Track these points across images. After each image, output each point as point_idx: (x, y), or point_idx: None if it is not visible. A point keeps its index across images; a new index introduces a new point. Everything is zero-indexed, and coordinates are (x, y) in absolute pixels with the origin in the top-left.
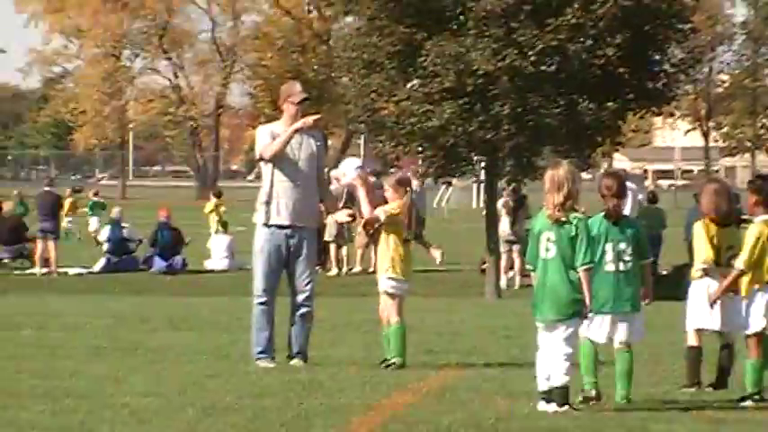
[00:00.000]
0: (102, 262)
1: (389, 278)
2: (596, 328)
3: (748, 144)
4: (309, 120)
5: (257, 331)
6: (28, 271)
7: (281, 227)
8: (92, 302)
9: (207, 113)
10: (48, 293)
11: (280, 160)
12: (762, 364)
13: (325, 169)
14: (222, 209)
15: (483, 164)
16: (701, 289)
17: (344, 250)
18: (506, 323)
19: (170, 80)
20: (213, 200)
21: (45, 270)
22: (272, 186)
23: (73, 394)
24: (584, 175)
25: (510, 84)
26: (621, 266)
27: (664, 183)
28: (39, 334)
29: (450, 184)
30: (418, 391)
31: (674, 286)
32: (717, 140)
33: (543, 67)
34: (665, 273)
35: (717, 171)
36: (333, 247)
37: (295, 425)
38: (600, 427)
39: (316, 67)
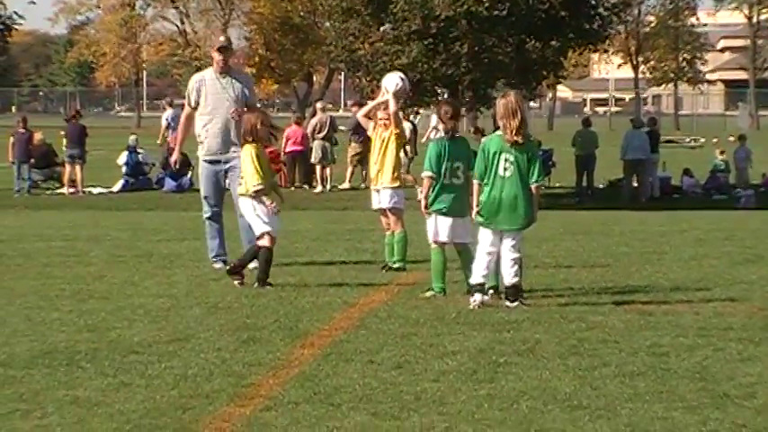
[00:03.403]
0: (120, 183)
1: (392, 190)
2: (431, 229)
3: (671, 75)
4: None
5: (209, 240)
6: (58, 191)
7: (218, 160)
8: (112, 217)
9: (210, 55)
10: (74, 210)
11: (214, 104)
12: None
13: (256, 102)
14: None
15: (445, 95)
16: None
17: (328, 170)
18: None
19: (177, 26)
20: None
21: (72, 190)
22: (203, 126)
23: (96, 296)
24: (532, 104)
25: (468, 27)
26: (456, 181)
27: (600, 109)
28: (67, 244)
29: (417, 112)
30: (391, 291)
31: (608, 197)
32: (644, 73)
33: (496, 12)
34: (601, 186)
35: (645, 99)
36: (318, 168)
37: (286, 320)
38: (545, 318)
39: (302, 13)
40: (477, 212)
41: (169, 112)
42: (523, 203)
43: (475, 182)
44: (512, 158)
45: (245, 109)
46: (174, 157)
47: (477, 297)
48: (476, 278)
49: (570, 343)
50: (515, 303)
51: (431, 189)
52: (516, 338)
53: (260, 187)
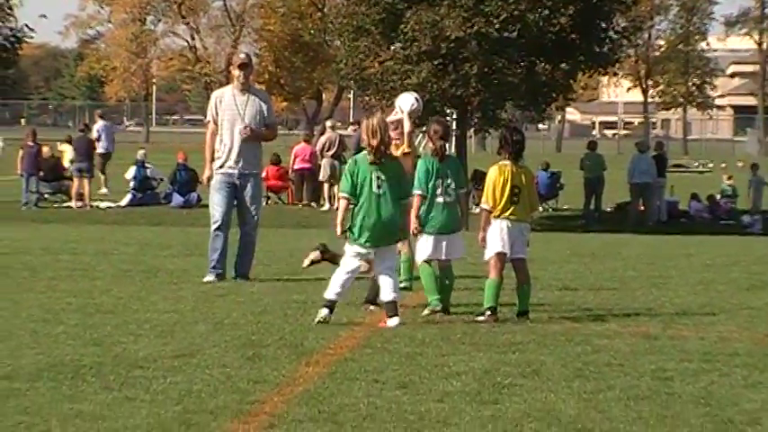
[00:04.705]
0: (128, 197)
1: None
2: (424, 248)
3: (681, 100)
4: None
5: (211, 251)
6: (65, 204)
7: (230, 173)
8: (119, 232)
9: (219, 71)
10: (82, 224)
11: (230, 119)
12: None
13: (275, 121)
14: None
15: (454, 116)
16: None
17: (336, 189)
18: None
19: (187, 42)
20: None
21: (80, 204)
22: (222, 139)
23: (102, 310)
24: (541, 126)
25: (478, 48)
26: (448, 198)
27: (609, 132)
28: (74, 258)
29: (425, 132)
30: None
31: (615, 221)
32: (654, 96)
33: (506, 34)
34: (608, 209)
35: (654, 123)
36: (326, 186)
37: (291, 338)
38: (551, 341)
39: (312, 31)
40: (348, 229)
41: (99, 124)
42: (396, 219)
43: (343, 196)
44: (383, 176)
45: (263, 128)
46: (207, 173)
47: (325, 311)
48: (332, 294)
49: (575, 366)
50: (396, 320)
51: (420, 208)
52: (521, 360)
53: None
